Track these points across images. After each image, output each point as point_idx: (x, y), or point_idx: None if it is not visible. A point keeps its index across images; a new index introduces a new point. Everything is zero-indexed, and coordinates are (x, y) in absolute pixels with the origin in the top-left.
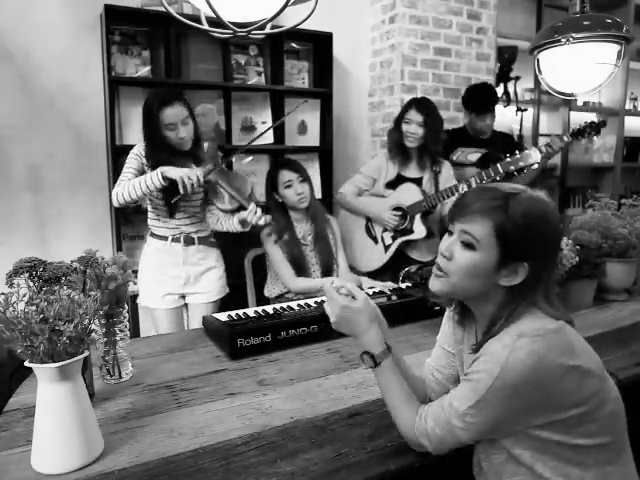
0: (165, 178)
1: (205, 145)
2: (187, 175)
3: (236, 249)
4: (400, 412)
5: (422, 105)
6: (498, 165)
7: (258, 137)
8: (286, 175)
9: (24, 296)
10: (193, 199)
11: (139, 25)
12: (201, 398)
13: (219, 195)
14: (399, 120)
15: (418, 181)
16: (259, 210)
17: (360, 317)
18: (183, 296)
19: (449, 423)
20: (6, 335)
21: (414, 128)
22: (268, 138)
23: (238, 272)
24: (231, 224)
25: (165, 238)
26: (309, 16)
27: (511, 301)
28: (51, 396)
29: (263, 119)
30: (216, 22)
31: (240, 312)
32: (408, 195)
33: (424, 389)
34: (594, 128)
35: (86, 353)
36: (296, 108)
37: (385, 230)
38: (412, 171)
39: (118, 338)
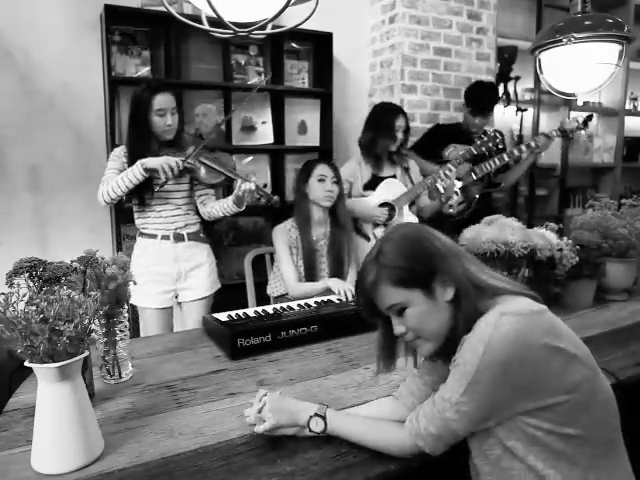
0: (146, 169)
1: (184, 135)
2: (166, 162)
3: (236, 248)
4: (380, 434)
5: (404, 111)
6: (471, 148)
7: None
8: (323, 169)
9: (24, 296)
10: (178, 190)
11: (139, 25)
12: (201, 398)
13: (205, 172)
14: (390, 129)
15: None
16: (247, 183)
17: (287, 401)
18: (176, 295)
19: (443, 418)
20: (6, 335)
21: (401, 134)
22: (268, 138)
23: (238, 272)
24: (226, 207)
25: (154, 236)
26: (310, 16)
27: (459, 304)
28: (51, 396)
29: (263, 119)
30: (217, 22)
31: (240, 312)
32: (392, 190)
33: (398, 409)
34: (581, 122)
35: (86, 353)
36: (246, 100)
37: (376, 227)
38: (385, 171)
39: (118, 338)
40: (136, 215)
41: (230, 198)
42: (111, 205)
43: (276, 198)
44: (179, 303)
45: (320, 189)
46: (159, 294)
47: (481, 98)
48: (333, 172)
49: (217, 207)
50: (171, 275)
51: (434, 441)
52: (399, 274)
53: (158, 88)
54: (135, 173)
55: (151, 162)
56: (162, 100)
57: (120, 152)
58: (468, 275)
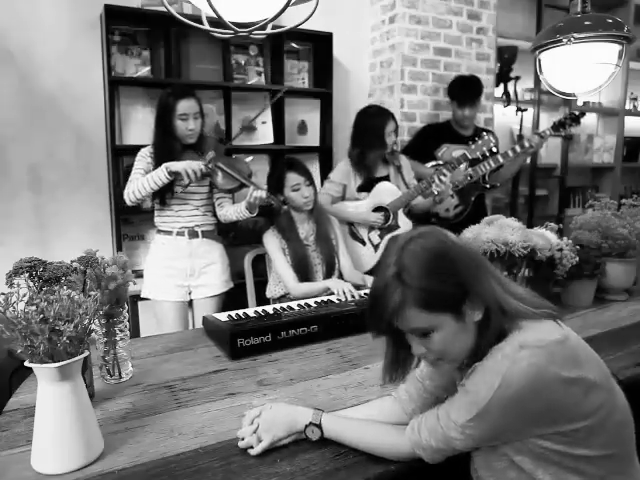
0: (170, 172)
1: (207, 139)
2: (189, 166)
3: (236, 248)
4: (378, 440)
5: (390, 113)
6: (466, 152)
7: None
8: (294, 178)
9: (24, 296)
10: (198, 192)
11: (139, 25)
12: (201, 398)
13: (221, 177)
14: (381, 136)
15: (386, 179)
16: (259, 191)
17: (279, 413)
18: (189, 292)
19: (446, 435)
20: (6, 335)
21: (393, 136)
22: (268, 138)
23: (238, 272)
24: (239, 212)
25: (170, 233)
26: (310, 16)
27: (487, 324)
28: (51, 396)
29: (263, 119)
30: (217, 22)
31: (240, 312)
32: (386, 194)
33: (398, 412)
34: (574, 119)
35: (86, 353)
36: (279, 94)
37: (371, 230)
38: (378, 171)
39: (118, 338)
40: (156, 214)
41: (243, 204)
42: (136, 204)
43: (286, 207)
44: (191, 301)
45: (298, 197)
46: (174, 287)
47: (465, 88)
48: (303, 176)
49: (231, 211)
50: (185, 270)
51: (433, 452)
52: (427, 297)
53: (182, 94)
54: (160, 176)
55: (175, 166)
56: (185, 105)
57: (146, 152)
58: (496, 296)
